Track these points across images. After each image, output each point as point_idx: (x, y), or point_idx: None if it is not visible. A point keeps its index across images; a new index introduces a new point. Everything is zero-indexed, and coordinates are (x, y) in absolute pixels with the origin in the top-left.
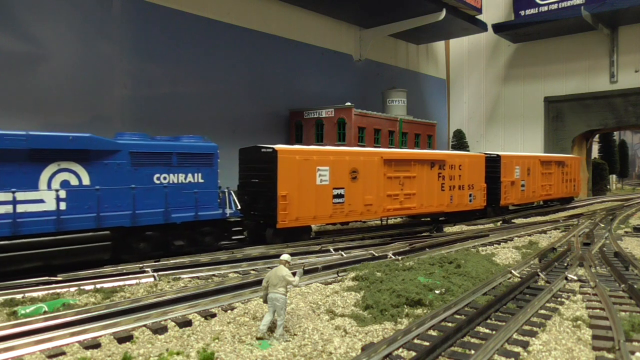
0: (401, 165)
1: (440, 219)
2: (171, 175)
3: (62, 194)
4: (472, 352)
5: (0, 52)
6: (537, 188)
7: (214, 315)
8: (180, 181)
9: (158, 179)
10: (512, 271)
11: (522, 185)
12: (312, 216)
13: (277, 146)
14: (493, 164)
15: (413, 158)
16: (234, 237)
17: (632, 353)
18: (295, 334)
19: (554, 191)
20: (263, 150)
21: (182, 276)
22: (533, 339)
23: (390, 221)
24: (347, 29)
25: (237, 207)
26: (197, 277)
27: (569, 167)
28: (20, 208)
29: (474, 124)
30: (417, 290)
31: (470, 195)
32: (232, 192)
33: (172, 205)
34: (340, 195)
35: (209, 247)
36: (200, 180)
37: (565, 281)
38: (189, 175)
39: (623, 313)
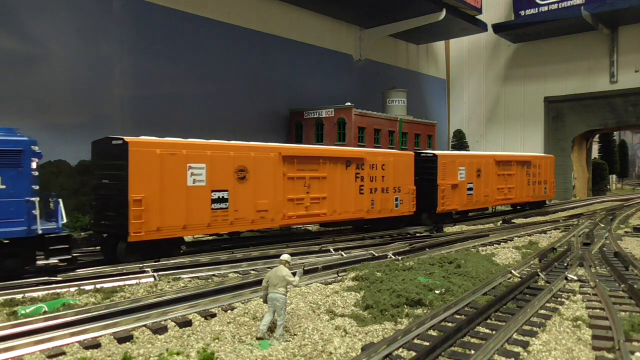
0: (306, 163)
1: (365, 226)
2: None
3: None
4: (472, 352)
5: (0, 51)
6: (491, 192)
7: (214, 315)
8: None
9: None
10: (512, 271)
11: (470, 189)
12: (181, 226)
13: (139, 137)
14: (429, 164)
15: (322, 155)
16: (56, 258)
17: (632, 353)
18: (295, 334)
19: (516, 195)
20: (114, 142)
21: (182, 276)
22: (533, 339)
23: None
24: (347, 29)
25: (64, 219)
26: (197, 277)
27: (537, 167)
28: None
29: (474, 124)
30: (417, 290)
31: (396, 200)
32: (59, 200)
33: None
34: (222, 200)
35: (10, 273)
36: (1, 186)
37: (565, 281)
38: None
39: (623, 313)
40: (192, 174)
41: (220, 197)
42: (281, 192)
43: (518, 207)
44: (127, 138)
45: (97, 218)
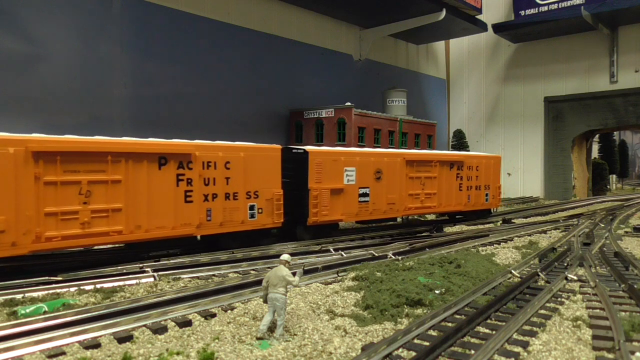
0: (85, 161)
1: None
2: None
3: None
4: (472, 352)
5: (0, 52)
6: (399, 198)
7: (214, 315)
8: None
9: None
10: (512, 271)
11: (364, 195)
12: None
13: None
14: (299, 163)
15: (112, 150)
16: None
17: (632, 353)
18: (295, 334)
19: (441, 202)
20: None
21: (182, 276)
22: (533, 339)
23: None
24: (347, 29)
25: None
26: (197, 277)
27: (474, 169)
28: None
29: (474, 124)
30: (417, 290)
31: (251, 208)
32: None
33: None
34: None
35: None
36: None
37: (565, 281)
38: None
39: (623, 313)
40: None
41: None
42: (33, 203)
43: (459, 217)
44: None
45: None
